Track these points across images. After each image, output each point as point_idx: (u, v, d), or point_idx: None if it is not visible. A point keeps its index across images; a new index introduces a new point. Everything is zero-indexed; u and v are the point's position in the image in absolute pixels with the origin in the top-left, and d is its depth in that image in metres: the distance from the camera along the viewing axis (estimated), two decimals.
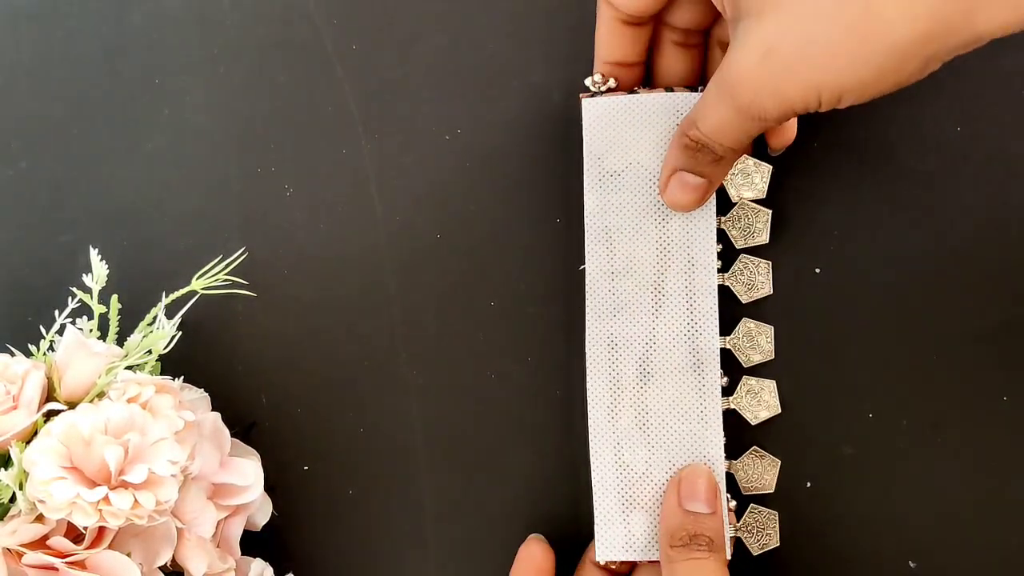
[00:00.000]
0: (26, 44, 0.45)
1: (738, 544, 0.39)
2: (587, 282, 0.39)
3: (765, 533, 0.39)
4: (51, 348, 0.39)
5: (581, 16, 0.41)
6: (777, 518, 0.39)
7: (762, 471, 0.39)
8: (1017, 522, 0.38)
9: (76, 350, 0.38)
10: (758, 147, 0.40)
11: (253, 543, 0.41)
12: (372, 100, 0.43)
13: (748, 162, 0.39)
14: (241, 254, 0.42)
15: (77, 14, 0.45)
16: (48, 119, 0.45)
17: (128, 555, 0.36)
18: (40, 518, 0.35)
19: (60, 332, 0.39)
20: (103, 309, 0.40)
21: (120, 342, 0.40)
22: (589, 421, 0.39)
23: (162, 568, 0.37)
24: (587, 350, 0.39)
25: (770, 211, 0.39)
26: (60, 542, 0.35)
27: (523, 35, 0.42)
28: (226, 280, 0.41)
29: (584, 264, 0.40)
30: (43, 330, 0.40)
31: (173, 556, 0.37)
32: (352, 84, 0.43)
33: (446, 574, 0.42)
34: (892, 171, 0.40)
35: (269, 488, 0.41)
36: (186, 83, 0.44)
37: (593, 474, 0.39)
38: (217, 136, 0.44)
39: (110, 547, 0.36)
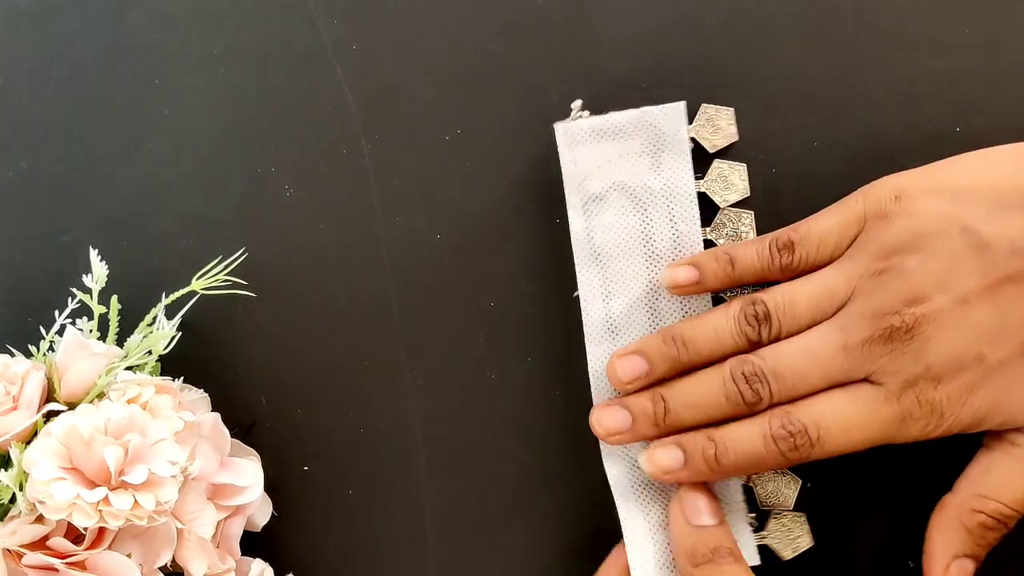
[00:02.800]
0: (26, 44, 0.45)
1: (769, 552, 0.39)
2: (582, 306, 0.40)
3: (795, 537, 0.39)
4: (51, 348, 0.39)
5: (580, 17, 0.41)
6: (805, 519, 0.39)
7: (782, 486, 0.39)
8: (1017, 522, 0.38)
9: (76, 350, 0.38)
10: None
11: (253, 543, 0.41)
12: (372, 100, 0.43)
13: (723, 165, 0.39)
14: (241, 254, 0.42)
15: (77, 15, 0.45)
16: (48, 119, 0.45)
17: (128, 556, 0.36)
18: (40, 519, 0.35)
19: (60, 332, 0.39)
20: (103, 309, 0.40)
21: (120, 342, 0.40)
22: (601, 447, 0.39)
23: (162, 569, 0.37)
24: (590, 374, 0.39)
25: (752, 212, 0.39)
26: (60, 543, 0.35)
27: (522, 36, 0.42)
28: (226, 280, 0.41)
29: (577, 290, 0.40)
30: (43, 330, 0.40)
31: (173, 557, 0.37)
32: (352, 84, 0.43)
33: (446, 574, 0.42)
34: (891, 171, 0.40)
35: (269, 488, 0.41)
36: (186, 83, 0.44)
37: (616, 501, 0.39)
38: (217, 136, 0.44)
39: (110, 548, 0.36)
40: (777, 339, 0.36)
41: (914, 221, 0.34)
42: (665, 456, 0.36)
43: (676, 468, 0.36)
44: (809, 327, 0.35)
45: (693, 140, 0.39)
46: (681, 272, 0.37)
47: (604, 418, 0.37)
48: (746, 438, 0.35)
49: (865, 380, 0.34)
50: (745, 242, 0.38)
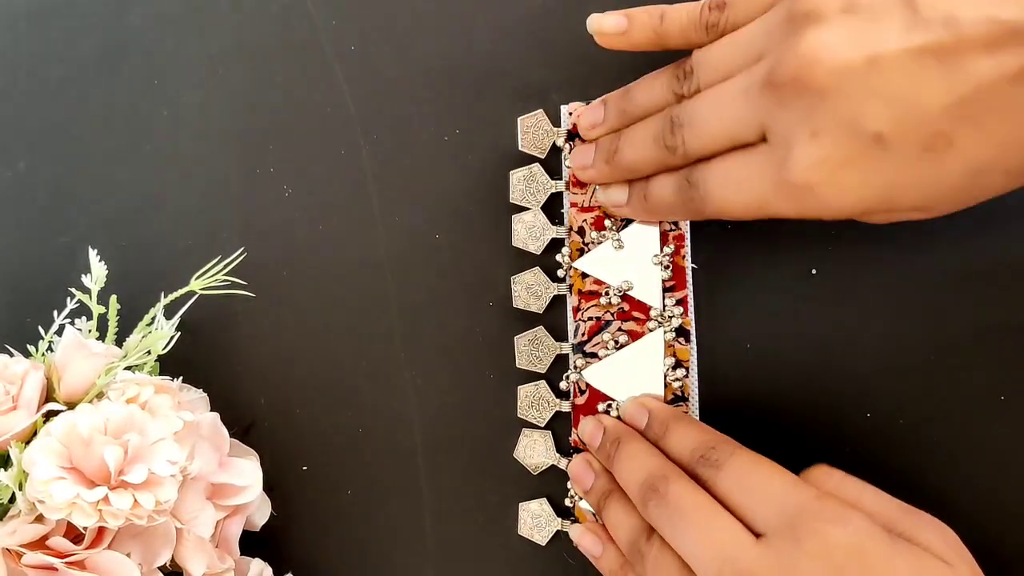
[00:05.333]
0: (25, 45, 0.45)
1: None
2: None
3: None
4: (50, 348, 0.39)
5: (580, 16, 0.41)
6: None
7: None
8: (1017, 522, 0.38)
9: (75, 350, 0.38)
10: None
11: (252, 543, 0.41)
12: (371, 100, 0.43)
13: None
14: (240, 254, 0.42)
15: (76, 15, 0.45)
16: (47, 120, 0.45)
17: (127, 555, 0.36)
18: (40, 518, 0.35)
19: (59, 332, 0.39)
20: (102, 309, 0.40)
21: (119, 342, 0.40)
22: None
23: (161, 568, 0.37)
24: None
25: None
26: (60, 542, 0.35)
27: (521, 35, 0.42)
28: (225, 280, 0.41)
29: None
30: (42, 330, 0.40)
31: (172, 556, 0.37)
32: (351, 85, 0.43)
33: (445, 574, 0.42)
34: None
35: (268, 488, 0.41)
36: (185, 84, 0.44)
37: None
38: (216, 137, 0.44)
39: (109, 547, 0.36)
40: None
41: None
42: (613, 191, 0.38)
43: (621, 203, 0.38)
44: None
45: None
46: (609, 19, 0.37)
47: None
48: (660, 186, 0.36)
49: (763, 141, 0.32)
50: (682, 3, 0.36)
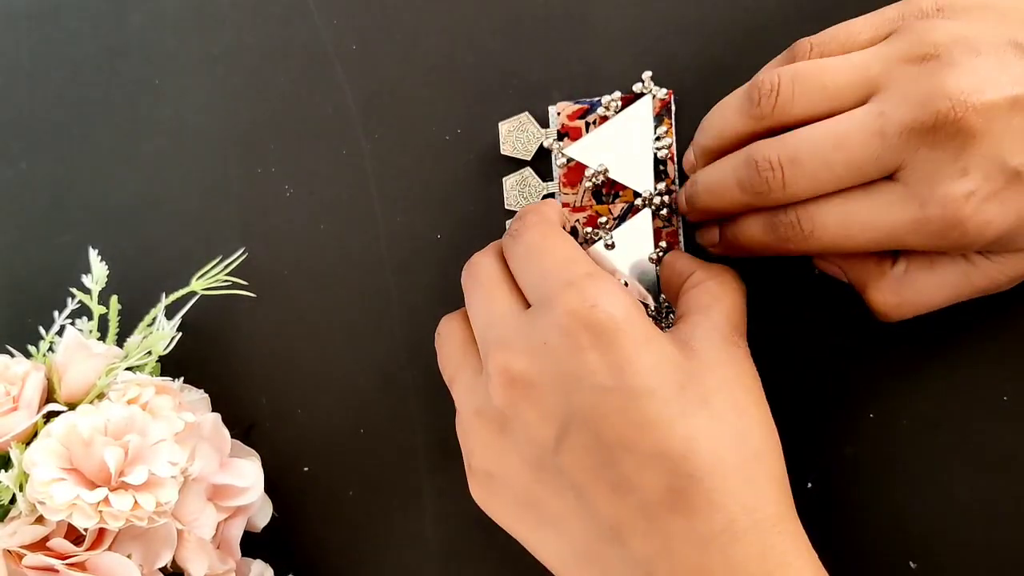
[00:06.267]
0: (26, 45, 0.45)
1: None
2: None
3: None
4: (51, 349, 0.39)
5: (581, 16, 0.41)
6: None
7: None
8: (1018, 522, 0.38)
9: (76, 351, 0.38)
10: None
11: (253, 544, 0.41)
12: (372, 100, 0.43)
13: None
14: (241, 255, 0.42)
15: (77, 15, 0.45)
16: (48, 120, 0.45)
17: (128, 556, 0.36)
18: (40, 519, 0.35)
19: (60, 333, 0.39)
20: (103, 310, 0.40)
21: (120, 343, 0.40)
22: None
23: (162, 569, 0.37)
24: None
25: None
26: (60, 543, 0.35)
27: (522, 35, 0.42)
28: (226, 281, 0.41)
29: None
30: (43, 331, 0.40)
31: (173, 558, 0.37)
32: (352, 84, 0.43)
33: (446, 574, 0.42)
34: None
35: (269, 489, 0.41)
36: (186, 84, 0.44)
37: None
38: (217, 137, 0.44)
39: (110, 549, 0.36)
40: (788, 120, 0.33)
41: (960, 25, 0.31)
42: (705, 234, 0.38)
43: (714, 244, 0.38)
44: (834, 113, 0.32)
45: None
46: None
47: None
48: (751, 228, 0.35)
49: (887, 178, 0.32)
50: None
